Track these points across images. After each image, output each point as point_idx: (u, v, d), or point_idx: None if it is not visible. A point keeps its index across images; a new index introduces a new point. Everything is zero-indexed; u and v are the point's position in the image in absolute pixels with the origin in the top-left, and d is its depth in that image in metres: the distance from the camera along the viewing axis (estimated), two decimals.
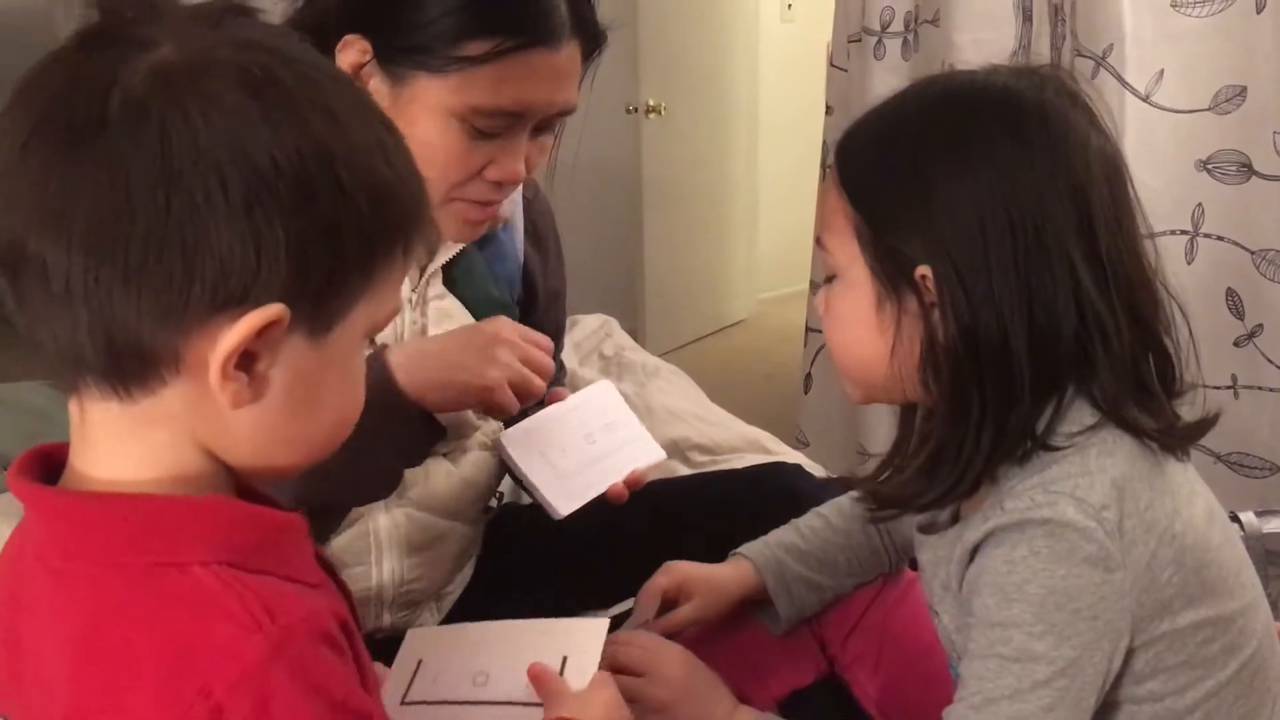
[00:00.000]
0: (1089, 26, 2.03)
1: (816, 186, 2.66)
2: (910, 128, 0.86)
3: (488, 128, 1.06)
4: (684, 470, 1.64)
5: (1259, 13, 1.90)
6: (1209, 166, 1.99)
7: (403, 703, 0.92)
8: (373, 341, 1.08)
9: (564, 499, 1.11)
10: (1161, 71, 1.99)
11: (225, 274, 0.56)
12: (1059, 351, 0.81)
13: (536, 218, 1.33)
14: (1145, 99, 2.00)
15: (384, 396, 1.00)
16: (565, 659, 0.91)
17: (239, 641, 0.57)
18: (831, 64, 2.57)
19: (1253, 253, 1.98)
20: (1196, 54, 1.96)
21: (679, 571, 1.12)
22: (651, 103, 3.88)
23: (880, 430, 2.39)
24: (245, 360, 0.59)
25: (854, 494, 1.08)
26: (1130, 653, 0.82)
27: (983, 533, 0.82)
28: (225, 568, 0.59)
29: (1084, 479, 0.80)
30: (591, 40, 1.11)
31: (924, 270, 0.82)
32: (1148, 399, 0.84)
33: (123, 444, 0.61)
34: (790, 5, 4.66)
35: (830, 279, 0.90)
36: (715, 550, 1.18)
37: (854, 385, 0.93)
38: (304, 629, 0.59)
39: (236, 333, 0.57)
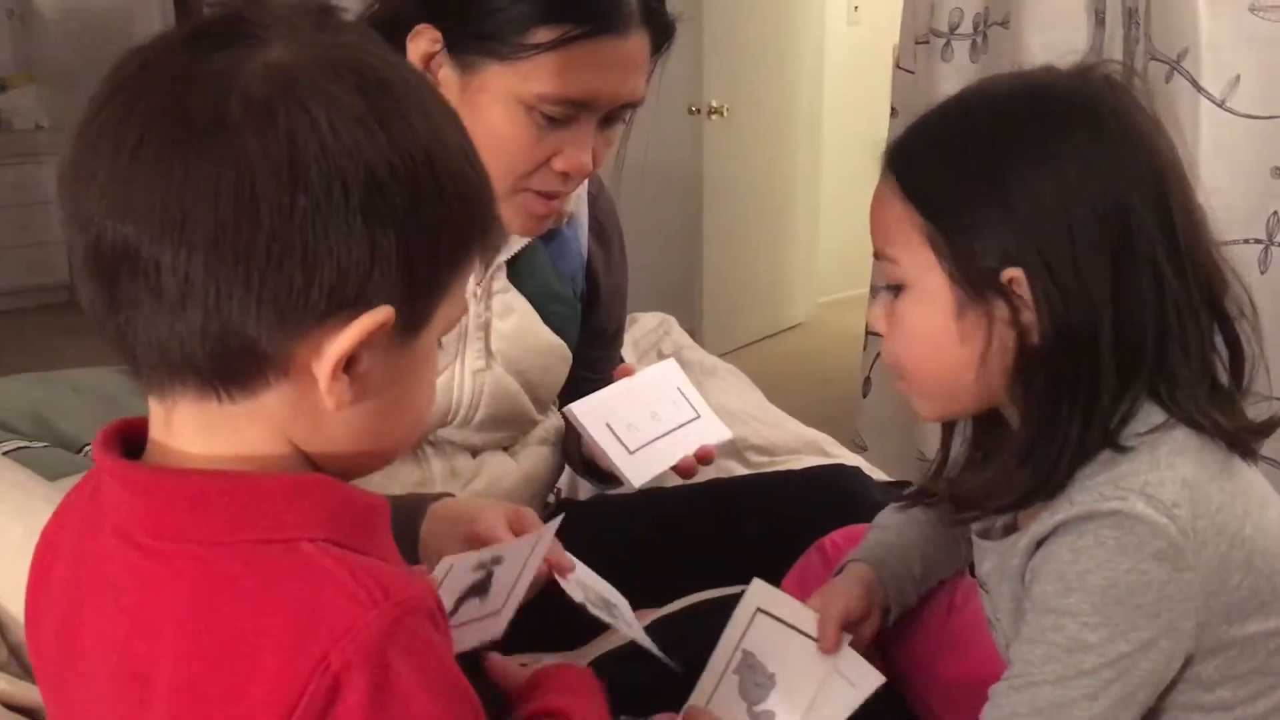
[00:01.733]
0: (1163, 30, 1.99)
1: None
2: (981, 128, 0.84)
3: (556, 116, 1.06)
4: (741, 470, 1.64)
5: None
6: None
7: None
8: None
9: (636, 470, 1.11)
10: (1238, 77, 1.94)
11: (343, 278, 0.56)
12: (1144, 347, 0.80)
13: (601, 214, 1.33)
14: (1220, 105, 1.96)
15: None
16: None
17: (357, 617, 0.56)
18: (898, 66, 2.55)
19: None
20: (1274, 59, 1.92)
21: (810, 599, 1.06)
22: (714, 104, 3.88)
23: (939, 435, 2.36)
24: (349, 362, 0.59)
25: (923, 498, 1.05)
26: (1198, 658, 0.80)
27: (1050, 526, 0.81)
28: (332, 545, 0.59)
29: (1154, 476, 0.78)
30: (661, 31, 1.11)
31: (1013, 273, 0.81)
32: (1219, 396, 0.83)
33: (213, 434, 0.60)
34: (856, 7, 4.63)
35: (893, 290, 0.88)
36: (772, 551, 1.18)
37: (928, 400, 0.91)
38: (416, 606, 0.59)
39: (349, 336, 0.57)
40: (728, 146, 4.01)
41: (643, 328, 1.82)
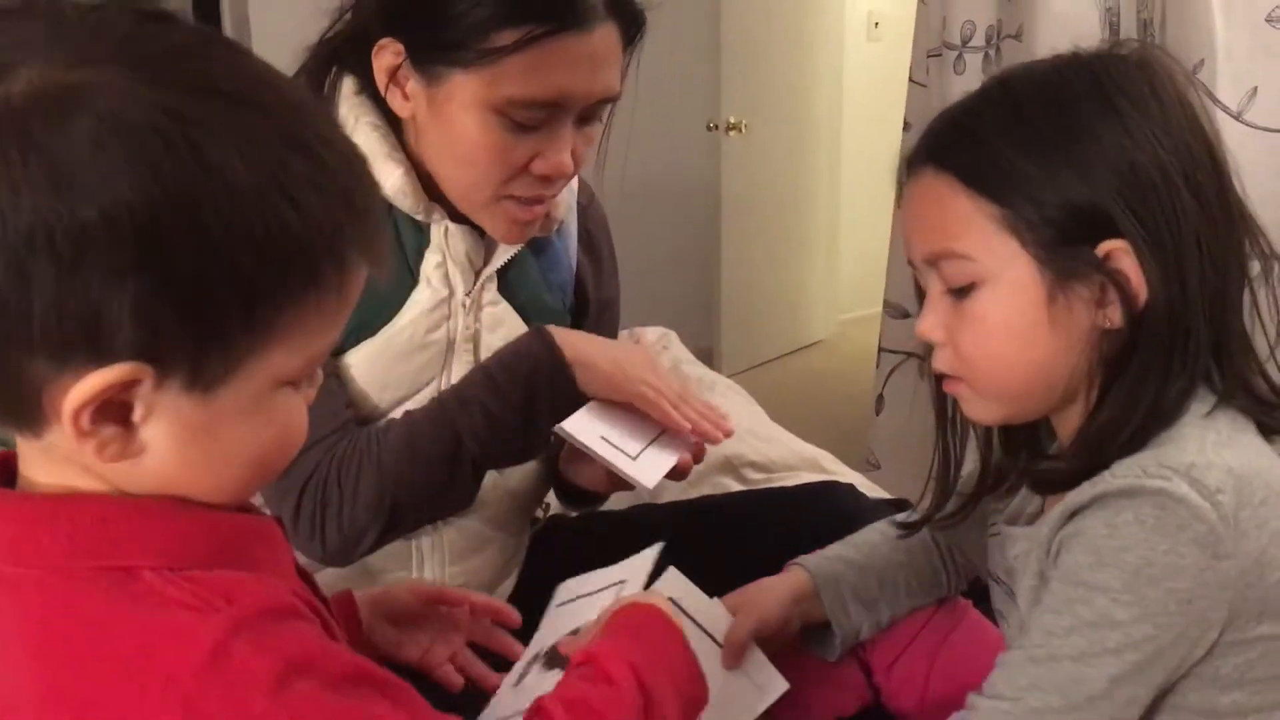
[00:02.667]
0: (1179, 41, 1.96)
1: (893, 207, 2.61)
2: (1035, 99, 0.82)
3: (527, 120, 1.05)
4: (737, 487, 1.61)
5: None
6: None
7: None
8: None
9: (644, 473, 1.09)
10: (1255, 89, 1.91)
11: (62, 327, 0.51)
12: (1228, 314, 0.79)
13: (591, 225, 1.31)
14: (1237, 117, 1.92)
15: (546, 353, 1.09)
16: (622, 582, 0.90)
17: (196, 626, 0.54)
18: (911, 79, 2.52)
19: None
20: None
21: (732, 595, 1.07)
22: (732, 120, 3.87)
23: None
24: (120, 411, 0.55)
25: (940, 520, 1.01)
26: (1218, 651, 0.77)
27: (1088, 497, 0.78)
28: (178, 573, 0.57)
29: (1201, 459, 0.76)
30: (629, 22, 1.08)
31: (1109, 245, 0.78)
32: (1263, 378, 0.82)
33: (54, 467, 0.59)
34: (877, 24, 4.61)
35: (955, 293, 0.84)
36: (765, 568, 1.15)
37: (997, 401, 0.86)
38: (265, 604, 0.57)
39: (79, 391, 0.53)
40: (746, 162, 4.00)
41: (644, 342, 1.81)
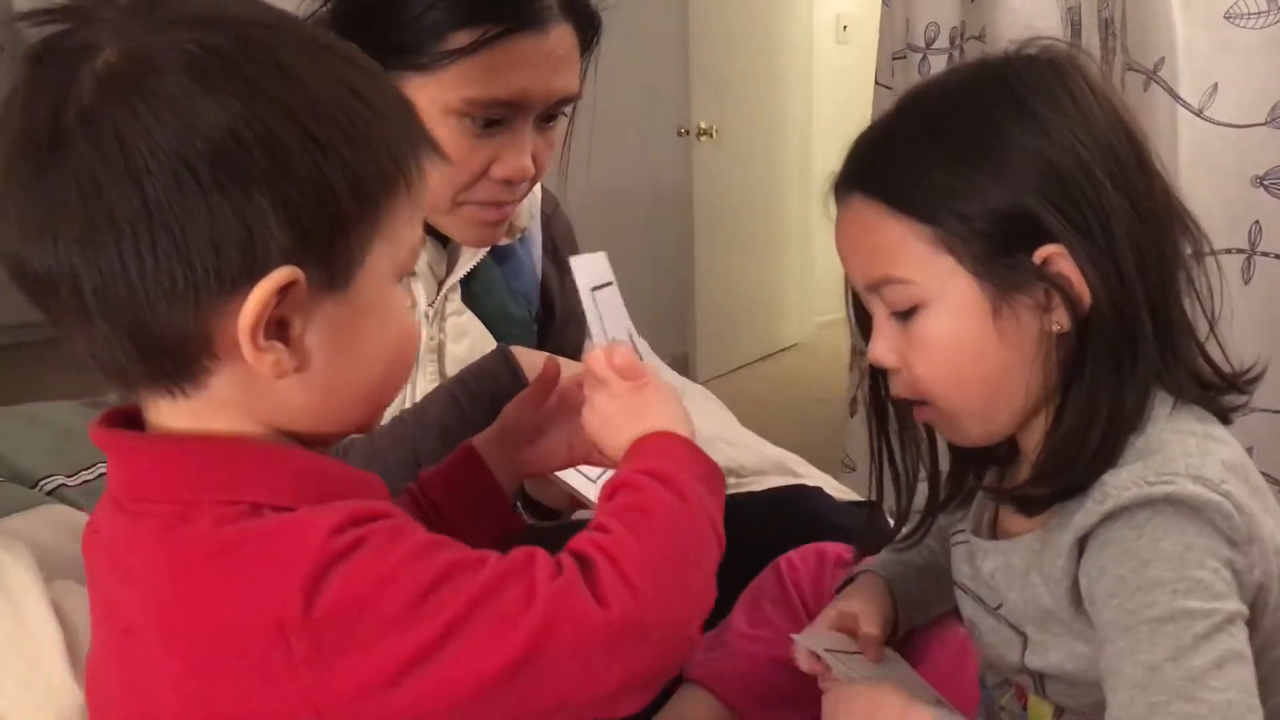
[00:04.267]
0: (1140, 40, 1.98)
1: None
2: (950, 112, 0.81)
3: (488, 120, 1.04)
4: None
5: None
6: (1265, 182, 1.92)
7: None
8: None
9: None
10: (1215, 85, 1.92)
11: (222, 253, 0.57)
12: (1169, 304, 0.78)
13: (556, 235, 1.31)
14: (1199, 114, 1.94)
15: (508, 374, 1.06)
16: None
17: (310, 522, 0.58)
18: (877, 82, 2.54)
19: None
20: (1251, 67, 1.90)
21: (828, 609, 1.03)
22: (703, 125, 3.88)
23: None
24: (280, 329, 0.60)
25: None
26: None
27: (1098, 516, 0.75)
28: (294, 512, 0.60)
29: (1194, 460, 0.74)
30: (585, 23, 1.09)
31: (1047, 251, 0.77)
32: (1205, 360, 0.82)
33: (188, 423, 0.63)
34: (845, 27, 4.63)
35: (901, 316, 0.82)
36: (733, 574, 1.14)
37: (969, 420, 0.84)
38: (374, 509, 0.60)
39: (251, 304, 0.58)
40: (718, 167, 4.01)
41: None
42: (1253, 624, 0.75)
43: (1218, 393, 0.82)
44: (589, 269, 0.89)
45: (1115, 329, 0.78)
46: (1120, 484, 0.75)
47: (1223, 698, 0.70)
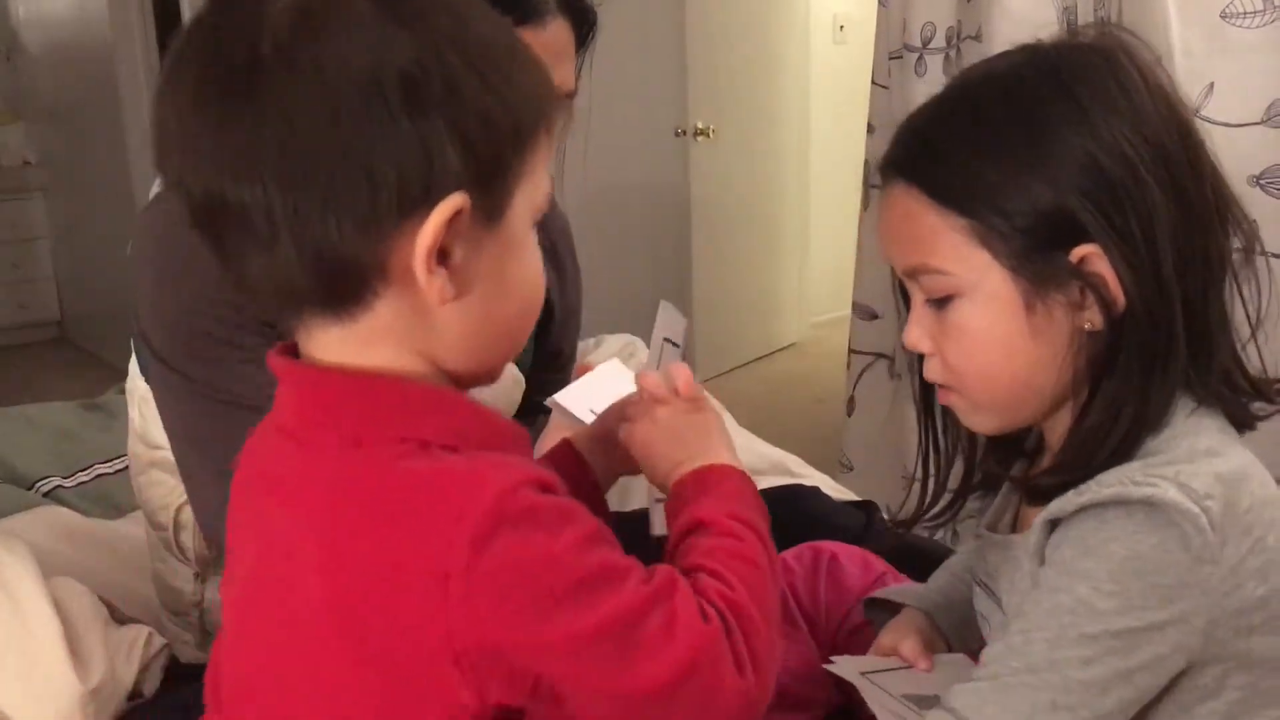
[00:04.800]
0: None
1: (859, 210, 2.62)
2: (996, 102, 0.79)
3: None
4: None
5: None
6: (1262, 182, 1.92)
7: None
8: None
9: None
10: (1211, 84, 1.92)
11: (404, 177, 0.60)
12: (1209, 308, 0.78)
13: (553, 234, 1.31)
14: (1195, 113, 1.93)
15: None
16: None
17: (486, 474, 0.60)
18: (874, 82, 2.53)
19: None
20: (1247, 66, 1.90)
21: (878, 642, 1.03)
22: (700, 125, 3.88)
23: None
24: (441, 257, 0.62)
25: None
26: (1200, 665, 0.76)
27: (1075, 505, 0.76)
28: (458, 452, 0.63)
29: (1188, 466, 0.74)
30: (581, 19, 1.09)
31: (1083, 250, 0.77)
32: (1242, 374, 0.81)
33: (348, 352, 0.65)
34: (842, 27, 4.63)
35: (936, 303, 0.82)
36: None
37: (989, 412, 0.85)
38: (535, 476, 0.62)
39: (430, 226, 0.61)
40: (715, 168, 4.00)
41: (608, 350, 1.80)
42: (1213, 646, 0.76)
43: (1246, 397, 0.81)
44: (670, 322, 0.94)
45: (1148, 331, 0.77)
46: (1108, 480, 0.76)
47: (1071, 696, 0.74)
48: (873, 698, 0.92)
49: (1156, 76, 0.80)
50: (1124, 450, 0.78)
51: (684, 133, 3.86)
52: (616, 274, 3.77)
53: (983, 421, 0.86)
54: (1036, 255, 0.78)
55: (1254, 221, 0.82)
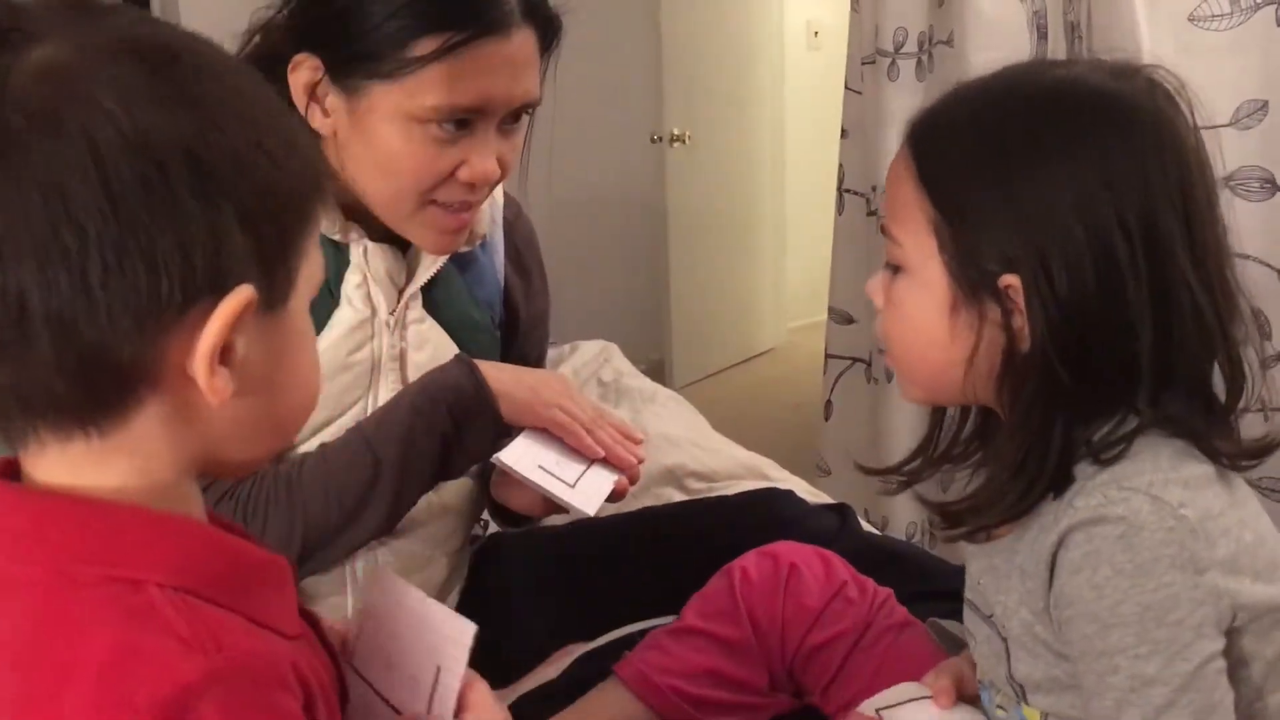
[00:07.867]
0: (1105, 42, 1.98)
1: (835, 214, 2.62)
2: (1005, 123, 0.81)
3: (451, 127, 1.04)
4: (679, 498, 1.61)
5: None
6: (1231, 184, 1.93)
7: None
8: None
9: (585, 500, 1.10)
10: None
11: (189, 264, 0.54)
12: (1140, 365, 0.78)
13: (519, 241, 1.30)
14: None
15: (471, 383, 1.09)
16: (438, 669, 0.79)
17: (177, 659, 0.53)
18: (847, 87, 2.54)
19: (1279, 271, 1.92)
20: (1216, 68, 1.90)
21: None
22: (676, 131, 3.88)
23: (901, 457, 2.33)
24: (224, 353, 0.56)
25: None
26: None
27: (1057, 534, 0.78)
28: (183, 594, 0.56)
29: (1158, 476, 0.76)
30: (545, 26, 1.09)
31: (1010, 280, 0.78)
32: (1215, 416, 0.81)
33: (81, 473, 0.58)
34: (816, 33, 4.65)
35: (892, 269, 0.86)
36: (699, 573, 1.15)
37: (913, 384, 0.89)
38: (252, 665, 0.55)
39: (217, 322, 0.55)
40: (691, 173, 4.01)
41: (583, 355, 1.80)
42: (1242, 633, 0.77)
43: (1212, 427, 0.81)
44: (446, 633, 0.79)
45: (1056, 369, 0.77)
46: (1082, 499, 0.77)
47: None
48: None
49: (1182, 142, 0.80)
50: (1038, 486, 0.79)
51: (659, 139, 3.86)
52: (593, 280, 3.78)
53: (907, 390, 0.90)
54: (971, 265, 0.80)
55: (1265, 316, 0.83)
